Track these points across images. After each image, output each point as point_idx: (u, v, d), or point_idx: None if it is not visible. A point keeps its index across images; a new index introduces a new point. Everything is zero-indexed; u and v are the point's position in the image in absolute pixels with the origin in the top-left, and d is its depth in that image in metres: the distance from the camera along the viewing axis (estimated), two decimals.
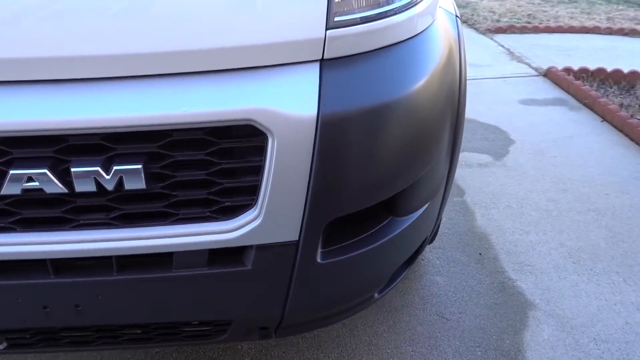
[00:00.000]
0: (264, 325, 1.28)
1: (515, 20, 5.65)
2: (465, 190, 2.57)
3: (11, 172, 1.03)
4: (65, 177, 1.06)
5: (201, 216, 1.13)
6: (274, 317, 1.24)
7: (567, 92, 3.72)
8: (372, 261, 1.26)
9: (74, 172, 1.05)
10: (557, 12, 6.07)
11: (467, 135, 3.13)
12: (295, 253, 1.16)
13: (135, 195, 1.11)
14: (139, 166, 1.05)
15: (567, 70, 3.92)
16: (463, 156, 2.89)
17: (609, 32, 5.16)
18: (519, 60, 4.51)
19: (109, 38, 1.04)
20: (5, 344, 1.28)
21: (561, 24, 5.40)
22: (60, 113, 1.04)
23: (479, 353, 1.67)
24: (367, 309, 1.84)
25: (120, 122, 1.05)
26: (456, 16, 1.54)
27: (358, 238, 1.24)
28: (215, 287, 1.18)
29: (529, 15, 5.87)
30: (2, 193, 1.04)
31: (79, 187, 1.07)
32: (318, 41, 1.12)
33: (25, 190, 1.05)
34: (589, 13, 6.05)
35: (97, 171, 1.05)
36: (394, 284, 1.46)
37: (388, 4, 1.21)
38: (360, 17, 1.17)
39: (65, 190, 1.07)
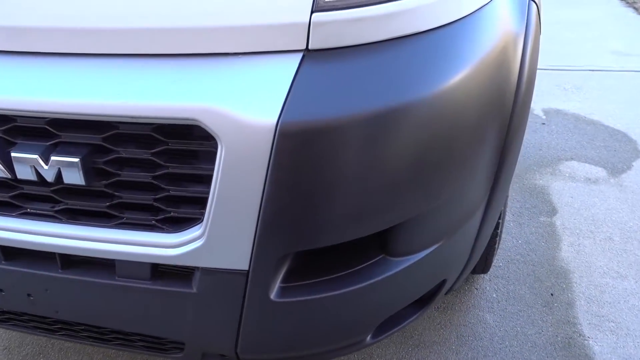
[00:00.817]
0: (221, 354, 1.11)
1: None
2: (558, 209, 2.12)
3: None
4: (8, 161, 0.97)
5: (146, 223, 0.97)
6: (226, 348, 1.06)
7: None
8: (352, 305, 1.01)
9: (13, 157, 0.95)
10: None
11: (581, 141, 2.60)
12: (244, 284, 0.95)
13: (78, 190, 0.99)
14: (76, 159, 0.91)
15: None
16: (569, 166, 2.40)
17: None
18: None
19: (53, 9, 0.90)
20: None
21: None
22: (6, 90, 0.93)
23: None
24: (390, 337, 1.59)
25: (59, 108, 0.92)
26: (531, 0, 1.16)
27: (334, 276, 1.00)
28: (160, 304, 1.03)
29: None
30: None
31: (20, 174, 0.97)
32: (300, 26, 0.88)
33: None
34: None
35: (36, 160, 0.93)
36: (399, 328, 1.19)
37: None
38: None
39: (9, 176, 0.98)
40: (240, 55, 0.90)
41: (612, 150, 2.51)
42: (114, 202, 0.97)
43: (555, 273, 1.81)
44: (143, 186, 0.95)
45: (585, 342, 1.56)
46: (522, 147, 2.54)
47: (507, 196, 1.60)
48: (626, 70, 3.38)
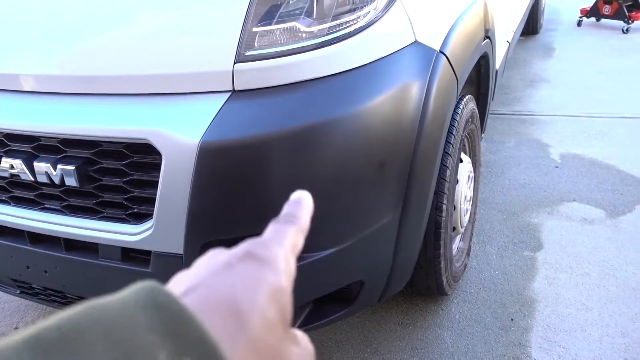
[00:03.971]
0: None
1: None
2: (544, 245, 2.22)
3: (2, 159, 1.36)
4: (31, 168, 1.36)
5: (119, 217, 1.31)
6: None
7: None
8: None
9: (35, 165, 1.34)
10: None
11: (590, 184, 2.65)
12: (181, 265, 1.25)
13: (75, 191, 1.35)
14: (73, 167, 1.28)
15: None
16: (569, 207, 2.48)
17: None
18: None
19: (55, 61, 1.29)
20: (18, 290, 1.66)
21: None
22: (29, 119, 1.34)
23: None
24: (351, 343, 1.79)
25: (59, 131, 1.30)
26: (440, 52, 1.40)
27: None
28: (128, 280, 1.35)
29: None
30: None
31: (39, 178, 1.35)
32: (226, 74, 1.20)
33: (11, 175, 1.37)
34: None
35: (49, 167, 1.31)
36: (327, 320, 1.42)
37: (310, 38, 1.21)
38: (275, 51, 1.20)
39: (31, 178, 1.37)
40: (184, 95, 1.23)
41: (619, 194, 2.55)
42: (98, 200, 1.32)
43: (521, 301, 1.92)
44: (117, 189, 1.29)
45: None
46: (527, 188, 2.65)
47: (450, 222, 1.78)
48: None
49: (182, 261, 1.24)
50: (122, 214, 1.31)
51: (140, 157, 1.24)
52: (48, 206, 1.41)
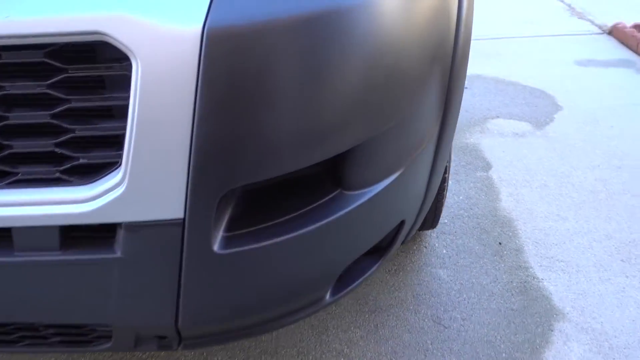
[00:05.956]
0: (159, 334, 0.93)
1: None
2: (492, 163, 2.11)
3: None
4: None
5: (48, 177, 0.79)
6: (165, 325, 0.89)
7: (637, 52, 3.11)
8: (308, 251, 0.88)
9: None
10: None
11: (504, 100, 2.63)
12: (181, 237, 0.79)
13: None
14: None
15: (638, 26, 3.29)
16: (496, 123, 2.41)
17: None
18: (580, 16, 3.88)
19: None
20: None
21: None
22: None
23: None
24: (343, 306, 1.47)
25: None
26: None
27: (286, 217, 0.86)
28: (75, 280, 0.84)
29: None
30: None
31: None
32: None
33: None
34: None
35: None
36: (357, 283, 1.07)
37: None
38: None
39: None
40: None
41: (533, 107, 2.57)
42: (4, 153, 0.77)
43: (500, 223, 1.78)
44: (40, 129, 0.76)
45: (540, 284, 1.53)
46: None
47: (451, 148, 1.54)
48: (536, 36, 3.52)
49: (183, 231, 0.78)
50: (53, 172, 0.78)
51: (82, 69, 0.73)
52: None
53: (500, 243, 1.69)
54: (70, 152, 0.77)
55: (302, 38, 0.72)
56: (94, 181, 0.78)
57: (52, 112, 0.75)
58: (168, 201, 0.76)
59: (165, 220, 0.78)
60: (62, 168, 0.78)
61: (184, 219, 0.78)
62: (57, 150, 0.77)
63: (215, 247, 0.80)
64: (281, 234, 0.83)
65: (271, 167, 0.78)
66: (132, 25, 0.69)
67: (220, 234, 0.81)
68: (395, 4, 0.82)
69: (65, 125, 0.75)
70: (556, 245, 1.67)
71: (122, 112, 0.75)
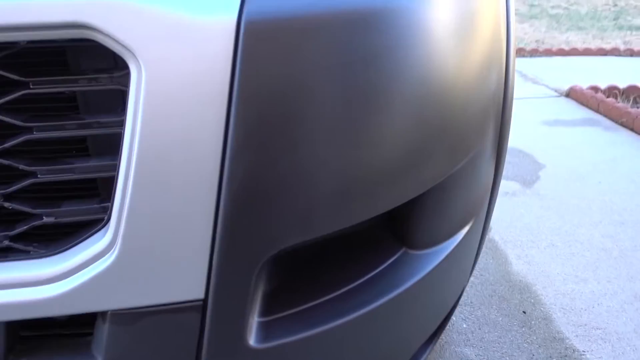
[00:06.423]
0: None
1: (523, 44, 5.19)
2: (491, 224, 1.95)
3: None
4: None
5: None
6: None
7: (597, 111, 3.16)
8: (375, 334, 0.63)
9: None
10: (567, 37, 5.62)
11: None
12: (199, 327, 0.53)
13: None
14: None
15: (594, 88, 3.39)
16: None
17: (630, 53, 4.67)
18: (534, 82, 3.99)
19: None
20: None
21: (575, 46, 4.93)
22: None
23: None
24: None
25: None
26: None
27: (339, 292, 0.62)
28: None
29: (537, 41, 5.42)
30: None
31: None
32: None
33: None
34: (602, 38, 5.60)
35: None
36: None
37: None
38: None
39: None
40: None
41: (516, 165, 2.48)
42: None
43: (517, 289, 1.58)
44: None
45: (583, 356, 1.32)
46: None
47: None
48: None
49: (203, 317, 0.53)
50: (0, 238, 0.52)
51: (51, 84, 0.50)
52: None
53: (524, 312, 1.48)
54: (28, 206, 0.52)
55: (380, 34, 0.53)
56: (66, 249, 0.52)
57: (3, 145, 0.50)
58: (182, 274, 0.52)
59: (177, 303, 0.52)
60: (13, 232, 0.52)
61: (204, 300, 0.52)
62: (7, 204, 0.51)
63: (251, 339, 0.54)
64: (340, 314, 0.58)
65: (324, 222, 0.56)
66: (132, 16, 0.47)
67: (255, 320, 0.56)
68: (465, 37, 0.65)
69: (20, 166, 0.51)
70: (585, 310, 1.48)
71: (109, 145, 0.51)
